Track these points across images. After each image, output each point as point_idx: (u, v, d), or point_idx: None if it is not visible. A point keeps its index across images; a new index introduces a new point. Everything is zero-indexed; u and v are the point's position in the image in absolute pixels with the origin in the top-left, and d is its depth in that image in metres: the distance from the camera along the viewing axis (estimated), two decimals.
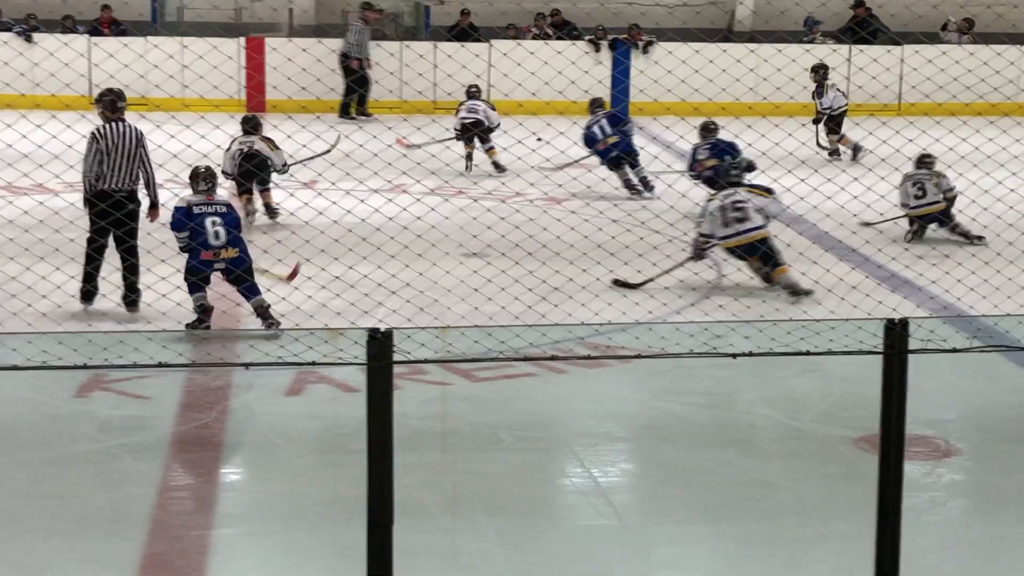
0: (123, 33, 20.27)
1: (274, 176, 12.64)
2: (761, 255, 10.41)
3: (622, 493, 6.98)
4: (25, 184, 11.18)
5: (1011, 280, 9.69)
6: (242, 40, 19.96)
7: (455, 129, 15.78)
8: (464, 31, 21.31)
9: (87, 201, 9.30)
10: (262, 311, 9.10)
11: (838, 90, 17.28)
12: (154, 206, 9.49)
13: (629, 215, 11.92)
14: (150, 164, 9.41)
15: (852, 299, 9.47)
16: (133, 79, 15.00)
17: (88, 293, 9.38)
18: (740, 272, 10.63)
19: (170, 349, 8.30)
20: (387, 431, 4.48)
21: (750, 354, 5.32)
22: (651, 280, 10.22)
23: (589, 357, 8.47)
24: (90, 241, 9.29)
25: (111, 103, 9.39)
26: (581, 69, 15.52)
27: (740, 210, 10.44)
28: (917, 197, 12.21)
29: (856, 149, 16.61)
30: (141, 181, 9.41)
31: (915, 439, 6.98)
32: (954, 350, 5.39)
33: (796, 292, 10.18)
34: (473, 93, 16.17)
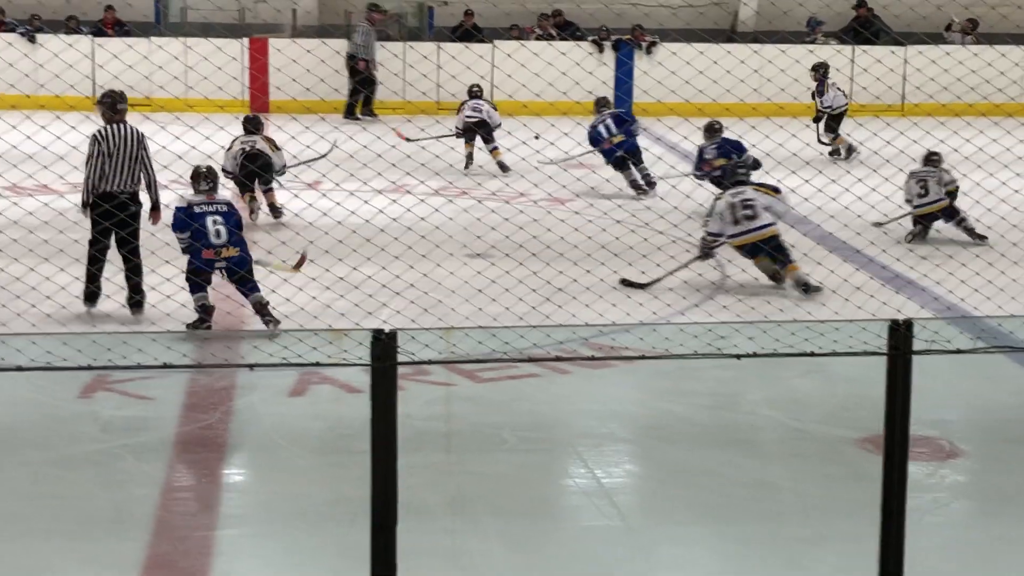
0: (127, 34, 20.29)
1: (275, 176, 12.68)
2: (770, 252, 10.45)
3: (625, 494, 6.98)
4: (29, 185, 11.19)
5: (1015, 281, 9.69)
6: (246, 41, 19.98)
7: (456, 128, 15.81)
8: (468, 32, 21.32)
9: (85, 205, 9.29)
10: (260, 308, 9.12)
11: (839, 89, 17.27)
12: (155, 208, 9.49)
13: (633, 216, 11.92)
14: (151, 166, 9.41)
15: (856, 300, 9.46)
16: (137, 80, 15.04)
17: (92, 294, 9.39)
18: (744, 273, 10.62)
19: (174, 350, 8.31)
20: (391, 432, 4.48)
21: (754, 355, 5.32)
22: (659, 280, 10.23)
23: (593, 358, 8.47)
24: (92, 243, 9.29)
25: (111, 105, 9.39)
26: (585, 70, 15.53)
27: (750, 208, 10.46)
28: (920, 196, 12.21)
29: (849, 150, 16.60)
30: (143, 183, 9.41)
31: (918, 440, 6.97)
32: (958, 351, 5.39)
33: (808, 289, 10.24)
34: (475, 93, 16.19)
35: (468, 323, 8.58)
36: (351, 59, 20.02)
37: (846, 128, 16.79)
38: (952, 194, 12.13)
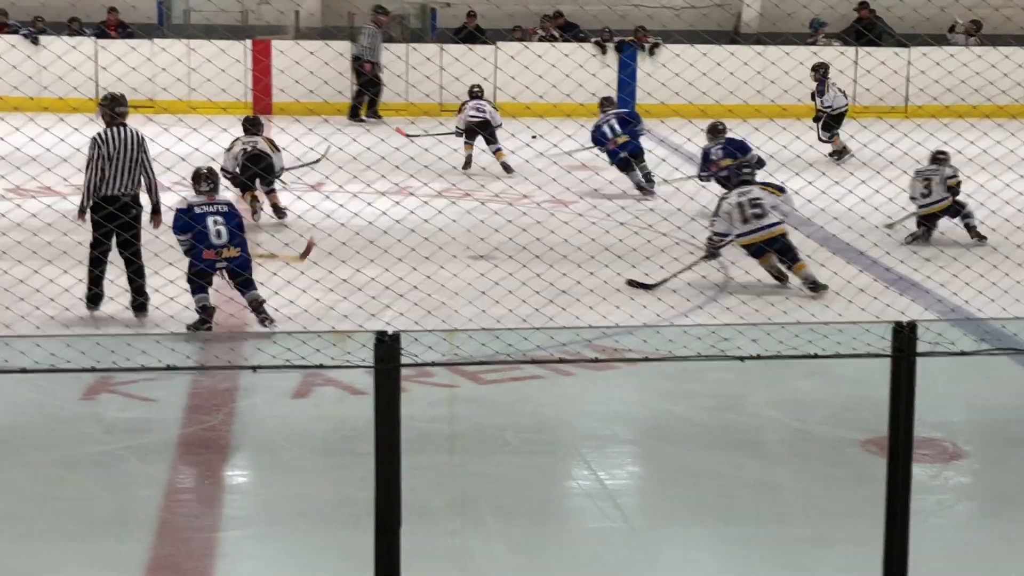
0: (130, 36, 20.30)
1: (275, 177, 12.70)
2: (779, 251, 10.48)
3: (628, 495, 6.98)
4: (33, 187, 11.19)
5: (1019, 283, 9.67)
6: (248, 43, 19.98)
7: (457, 128, 15.82)
8: (471, 33, 21.32)
9: (82, 210, 9.27)
10: (256, 305, 9.13)
11: (839, 89, 17.25)
12: (156, 211, 9.48)
13: (637, 218, 11.92)
14: (152, 169, 9.40)
15: (860, 301, 9.46)
16: (140, 82, 15.03)
17: (94, 297, 9.38)
18: (747, 274, 10.62)
19: (177, 352, 8.31)
20: (395, 434, 4.48)
21: (758, 357, 5.31)
22: (665, 281, 10.24)
23: (596, 360, 8.47)
24: (93, 246, 9.29)
25: (111, 108, 9.38)
26: (588, 72, 15.51)
27: (758, 206, 10.50)
28: (924, 195, 12.20)
29: (841, 152, 16.57)
30: (143, 186, 9.40)
31: (922, 441, 6.97)
32: (962, 353, 5.39)
33: (816, 287, 10.28)
34: (476, 93, 16.20)
35: (471, 325, 8.58)
36: (356, 61, 20.02)
37: (849, 129, 16.76)
38: (954, 189, 12.11)
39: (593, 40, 21.36)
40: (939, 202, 12.15)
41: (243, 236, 9.36)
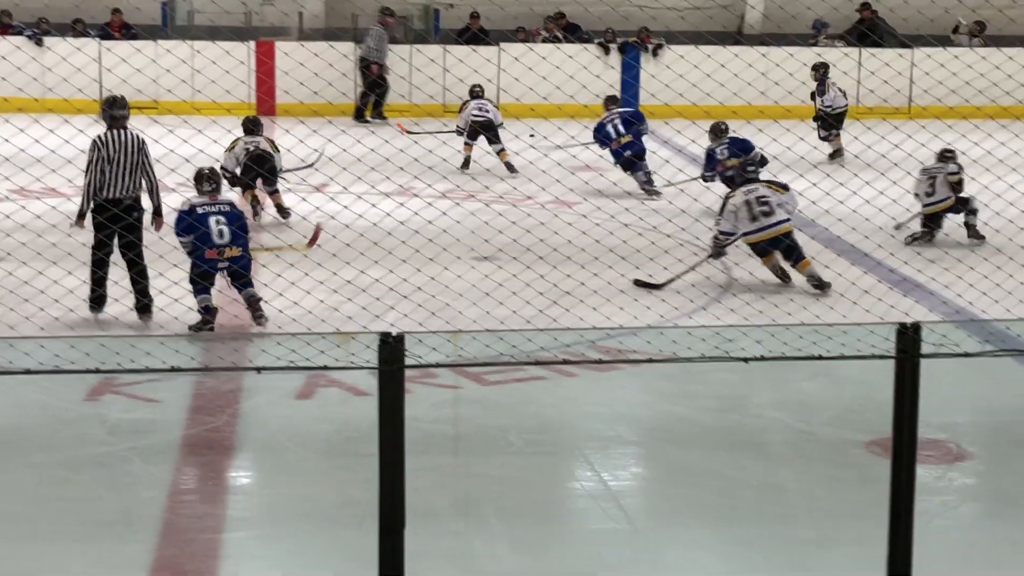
0: (134, 37, 20.31)
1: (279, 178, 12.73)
2: (785, 249, 10.50)
3: (631, 496, 6.97)
4: (37, 189, 11.20)
5: (1023, 284, 9.67)
6: (252, 44, 19.99)
7: (458, 127, 15.81)
8: (474, 35, 21.32)
9: (82, 214, 9.27)
10: (252, 303, 9.15)
11: (839, 89, 17.23)
12: (158, 213, 9.46)
13: (641, 219, 11.90)
14: (153, 171, 9.39)
15: (864, 303, 9.45)
16: (144, 84, 15.03)
17: (98, 299, 9.37)
18: (752, 276, 10.62)
19: (181, 353, 8.30)
20: (399, 435, 4.48)
21: (762, 358, 5.31)
22: (671, 281, 10.24)
23: (600, 361, 8.47)
24: (95, 248, 9.29)
25: (108, 110, 9.37)
26: (591, 73, 15.51)
27: (765, 204, 10.53)
28: (928, 194, 12.19)
29: (835, 154, 16.53)
30: (144, 188, 9.40)
31: (926, 443, 6.96)
32: (966, 354, 5.39)
33: (820, 285, 10.31)
34: (477, 93, 16.21)
35: (475, 326, 8.58)
36: (363, 62, 20.03)
37: (853, 131, 16.69)
38: (955, 186, 12.09)
39: (597, 41, 21.36)
40: (943, 201, 12.14)
41: (246, 237, 9.37)
